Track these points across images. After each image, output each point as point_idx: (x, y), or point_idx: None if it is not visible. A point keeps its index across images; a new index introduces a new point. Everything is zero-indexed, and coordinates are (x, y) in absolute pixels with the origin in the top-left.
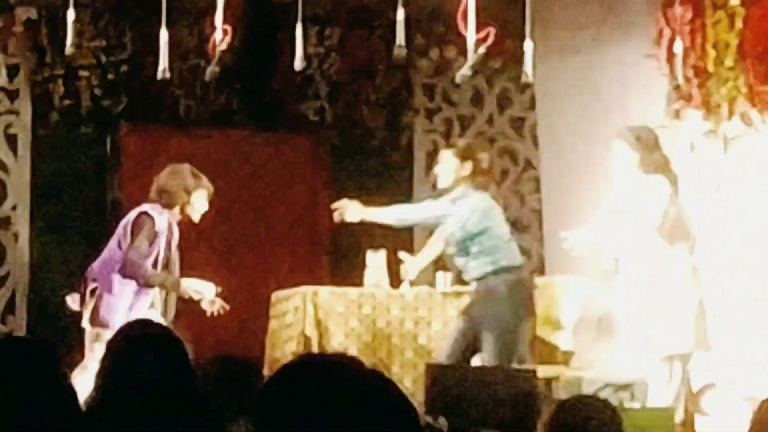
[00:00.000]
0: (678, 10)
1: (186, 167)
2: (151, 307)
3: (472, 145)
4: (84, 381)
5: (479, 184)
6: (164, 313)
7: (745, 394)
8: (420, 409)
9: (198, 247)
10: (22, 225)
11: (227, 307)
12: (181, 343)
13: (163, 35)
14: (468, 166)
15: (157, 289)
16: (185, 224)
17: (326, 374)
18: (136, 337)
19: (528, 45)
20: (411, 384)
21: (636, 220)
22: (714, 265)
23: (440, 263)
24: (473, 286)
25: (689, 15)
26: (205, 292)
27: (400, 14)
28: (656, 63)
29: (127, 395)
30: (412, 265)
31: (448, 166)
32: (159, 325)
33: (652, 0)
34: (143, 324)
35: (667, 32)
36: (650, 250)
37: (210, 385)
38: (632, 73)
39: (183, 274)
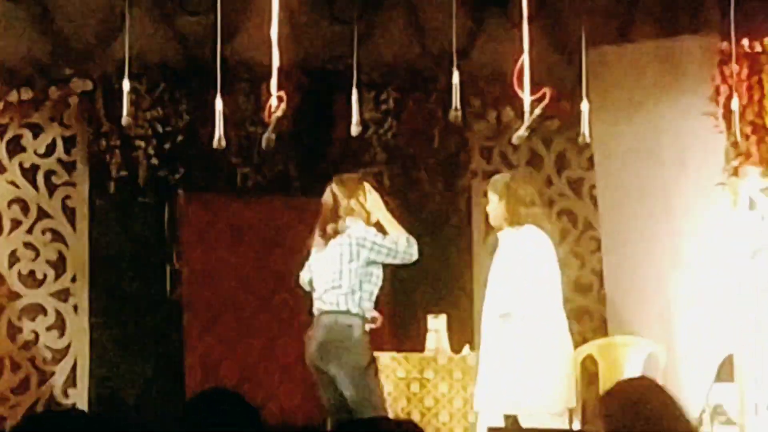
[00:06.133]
0: (735, 66)
1: None
2: None
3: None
4: None
5: None
6: None
7: None
8: None
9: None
10: (81, 296)
11: None
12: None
13: (218, 104)
14: None
15: None
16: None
17: None
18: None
19: (585, 105)
20: None
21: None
22: None
23: None
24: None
25: (746, 71)
26: None
27: (456, 77)
28: (714, 120)
29: None
30: None
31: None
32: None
33: (709, 57)
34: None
35: (724, 89)
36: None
37: None
38: (690, 131)
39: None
